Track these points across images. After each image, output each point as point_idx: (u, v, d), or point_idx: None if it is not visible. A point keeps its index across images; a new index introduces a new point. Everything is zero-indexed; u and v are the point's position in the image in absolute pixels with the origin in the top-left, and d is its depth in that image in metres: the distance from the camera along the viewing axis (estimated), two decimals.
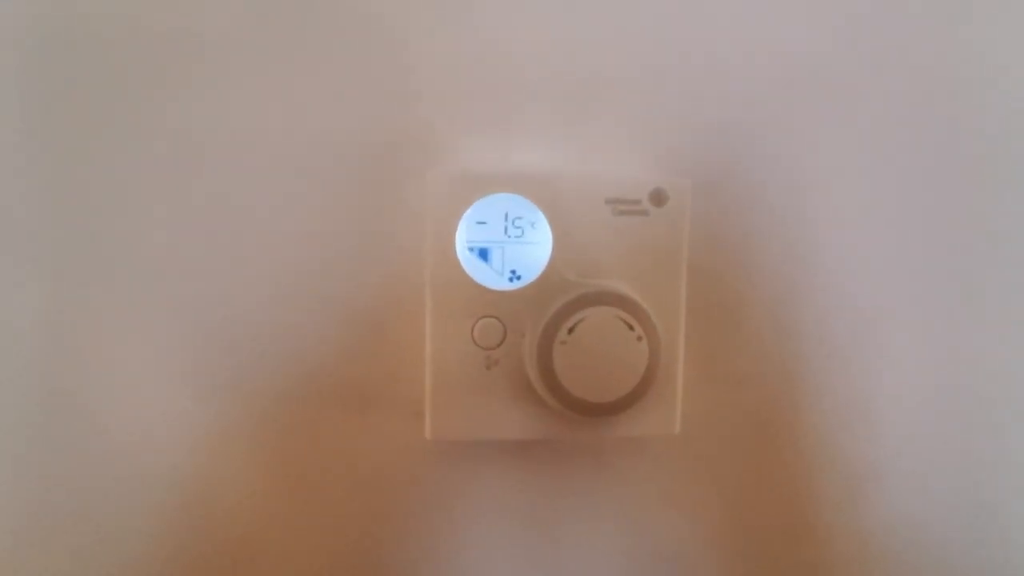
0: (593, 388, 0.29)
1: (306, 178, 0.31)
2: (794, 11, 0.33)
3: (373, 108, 0.31)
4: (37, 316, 0.30)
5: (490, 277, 0.29)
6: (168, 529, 0.32)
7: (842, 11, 0.33)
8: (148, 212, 0.30)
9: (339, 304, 0.31)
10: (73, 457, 0.31)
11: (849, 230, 0.35)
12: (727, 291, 0.34)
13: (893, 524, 0.37)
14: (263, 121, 0.30)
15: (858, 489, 0.36)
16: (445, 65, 0.31)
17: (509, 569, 0.35)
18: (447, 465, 0.33)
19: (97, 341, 0.30)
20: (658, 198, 0.30)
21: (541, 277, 0.29)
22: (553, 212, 0.29)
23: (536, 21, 0.32)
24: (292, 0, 0.30)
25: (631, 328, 0.29)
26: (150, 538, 0.31)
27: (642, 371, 0.29)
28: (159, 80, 0.30)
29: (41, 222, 0.30)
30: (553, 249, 0.29)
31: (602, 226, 0.30)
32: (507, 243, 0.29)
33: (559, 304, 0.29)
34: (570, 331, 0.28)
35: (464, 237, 0.29)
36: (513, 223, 0.29)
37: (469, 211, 0.29)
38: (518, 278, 0.29)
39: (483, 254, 0.29)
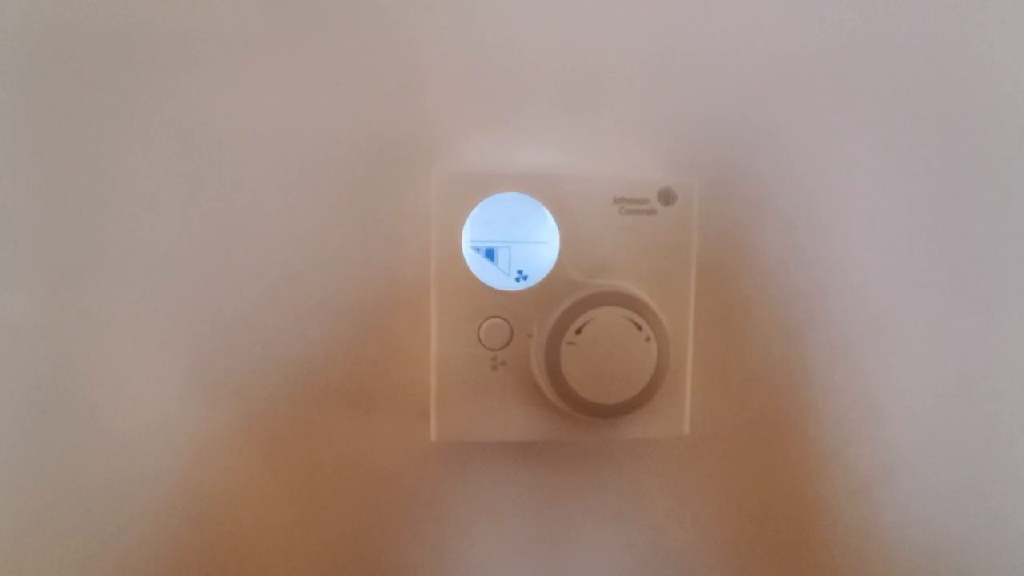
0: (601, 389, 0.28)
1: (310, 178, 0.31)
2: (806, 7, 0.33)
3: (378, 106, 0.31)
4: (36, 315, 0.30)
5: (496, 277, 0.29)
6: (169, 531, 0.31)
7: (855, 7, 0.33)
8: (149, 210, 0.30)
9: (343, 304, 0.31)
10: (74, 458, 0.31)
11: (859, 229, 0.34)
12: (735, 291, 0.34)
13: (902, 526, 0.36)
14: (265, 120, 0.30)
15: (867, 491, 0.36)
16: (451, 63, 0.31)
17: (516, 572, 0.35)
18: (452, 467, 0.33)
19: (97, 341, 0.30)
20: (666, 197, 0.30)
21: (548, 277, 0.29)
22: (560, 211, 0.29)
23: (543, 18, 0.31)
24: None
25: (639, 328, 0.28)
26: (151, 539, 0.31)
27: (651, 372, 0.29)
28: (160, 76, 0.30)
29: (39, 221, 0.30)
30: (560, 249, 0.29)
31: (610, 225, 0.29)
32: (513, 243, 0.29)
33: (566, 304, 0.28)
34: (578, 332, 0.28)
35: (470, 237, 0.29)
36: (520, 223, 0.29)
37: (475, 210, 0.29)
38: (525, 278, 0.29)
39: (489, 254, 0.29)
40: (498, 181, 0.29)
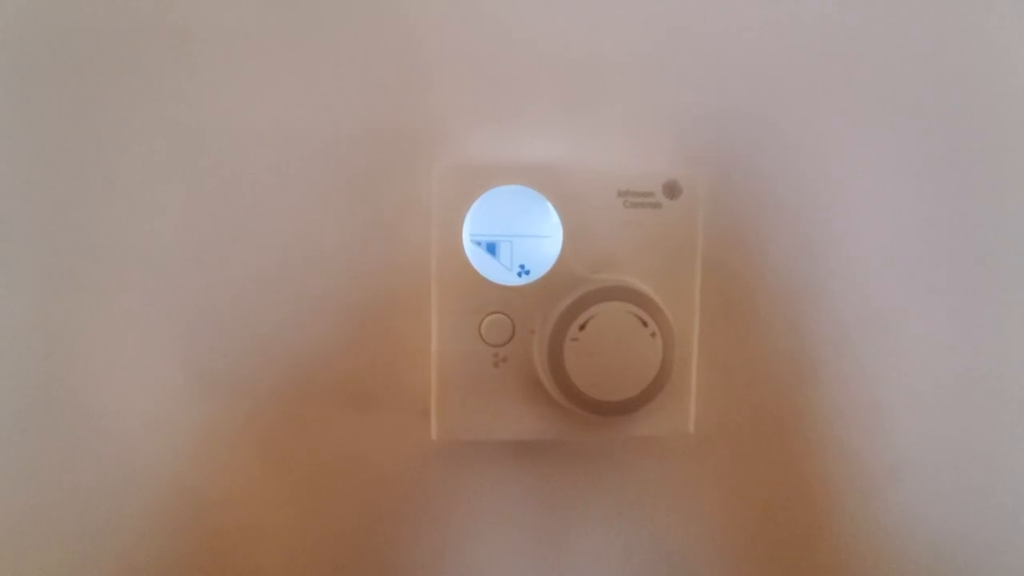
0: (605, 386, 0.28)
1: (307, 172, 0.31)
2: (814, 0, 0.33)
3: (377, 98, 0.31)
4: (32, 313, 0.30)
5: (498, 272, 0.29)
6: (167, 531, 0.31)
7: (863, 0, 0.33)
8: (145, 206, 0.30)
9: (342, 300, 0.31)
10: (71, 456, 0.30)
11: (866, 225, 0.34)
12: (741, 286, 0.34)
13: (909, 525, 0.36)
14: (262, 113, 0.30)
15: (873, 489, 0.36)
16: (452, 54, 0.31)
17: (518, 573, 0.34)
18: (453, 466, 0.33)
19: (94, 338, 0.30)
20: (671, 190, 0.29)
21: (551, 272, 0.29)
22: (563, 205, 0.29)
23: (547, 9, 0.31)
24: None
25: (644, 324, 0.28)
26: (148, 539, 0.31)
27: (656, 369, 0.28)
28: (157, 71, 0.29)
29: (35, 218, 0.29)
30: (563, 243, 0.29)
31: (614, 219, 0.29)
32: (516, 237, 0.29)
33: (570, 300, 0.28)
34: (581, 328, 0.28)
35: (471, 230, 0.28)
36: (522, 216, 0.29)
37: (476, 204, 0.28)
38: (527, 273, 0.29)
39: (491, 248, 0.29)
40: (500, 173, 0.28)
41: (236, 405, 0.31)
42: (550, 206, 0.29)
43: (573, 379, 0.28)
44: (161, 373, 0.30)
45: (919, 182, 0.34)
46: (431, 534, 0.33)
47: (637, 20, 0.32)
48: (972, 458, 0.36)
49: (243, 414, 0.31)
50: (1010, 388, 0.36)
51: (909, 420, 0.35)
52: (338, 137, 0.30)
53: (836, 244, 0.34)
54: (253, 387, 0.31)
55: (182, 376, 0.31)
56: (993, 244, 0.35)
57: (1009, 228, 0.35)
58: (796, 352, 0.34)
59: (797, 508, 0.35)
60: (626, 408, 0.29)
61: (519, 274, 0.29)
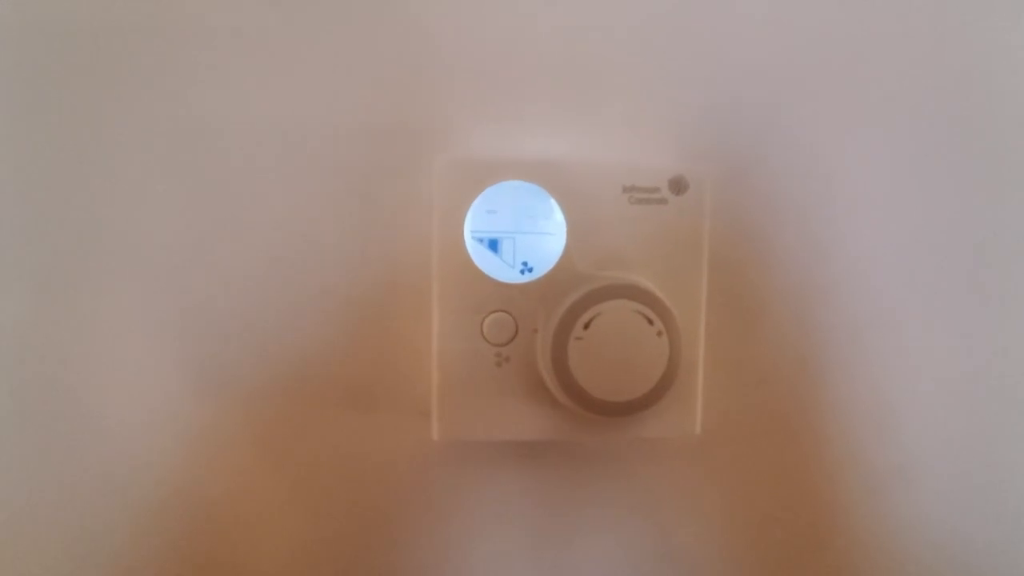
0: (610, 386, 0.28)
1: (306, 167, 0.30)
2: None
3: (377, 92, 0.30)
4: (30, 311, 0.30)
5: (500, 269, 0.28)
6: (164, 531, 0.31)
7: None
8: (142, 202, 0.30)
9: (341, 298, 0.31)
10: (68, 456, 0.30)
11: (875, 221, 0.34)
12: (747, 284, 0.33)
13: (918, 527, 0.36)
14: (260, 107, 0.30)
15: (882, 491, 0.36)
16: (454, 48, 0.31)
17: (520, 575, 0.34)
18: (455, 467, 0.33)
19: (91, 337, 0.30)
20: (677, 186, 0.29)
21: (554, 269, 0.29)
22: (567, 201, 0.28)
23: (550, 3, 0.31)
24: None
25: (650, 323, 0.28)
26: (146, 538, 0.31)
27: (662, 368, 0.28)
28: (154, 65, 0.29)
29: (32, 216, 0.29)
30: (567, 240, 0.29)
31: (619, 215, 0.29)
32: (518, 233, 0.28)
33: (574, 298, 0.28)
34: (586, 326, 0.28)
35: (473, 227, 0.28)
36: (525, 212, 0.28)
37: (478, 199, 0.28)
38: (530, 270, 0.29)
39: (493, 245, 0.28)
40: (502, 168, 0.28)
41: (234, 404, 0.31)
42: (553, 202, 0.28)
43: (577, 379, 0.28)
44: (158, 371, 0.30)
45: (928, 178, 0.34)
46: (432, 536, 0.33)
47: (643, 13, 0.31)
48: (981, 458, 0.36)
49: (241, 413, 0.31)
50: (1019, 388, 0.36)
51: (917, 420, 0.35)
52: (337, 132, 0.30)
53: (844, 241, 0.34)
54: (251, 386, 0.31)
55: (180, 375, 0.30)
56: (1004, 243, 0.35)
57: (1021, 227, 0.35)
58: (803, 351, 0.34)
59: (804, 509, 0.35)
60: (631, 409, 0.28)
61: (522, 271, 0.29)
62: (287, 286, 0.31)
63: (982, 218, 0.35)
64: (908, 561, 0.36)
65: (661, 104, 0.32)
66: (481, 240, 0.28)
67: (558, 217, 0.28)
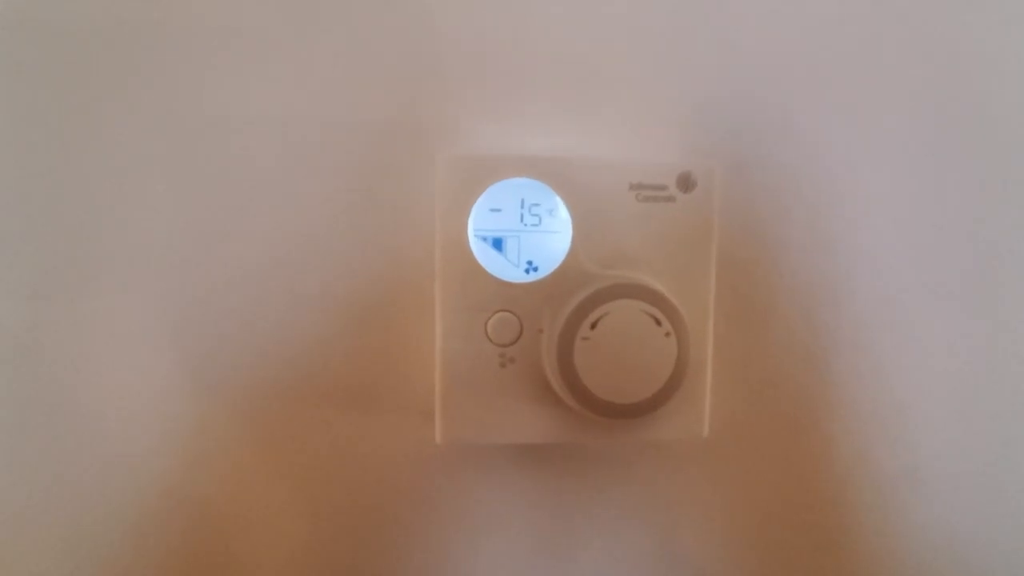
0: (617, 388, 0.28)
1: (306, 164, 0.30)
2: None
3: (379, 88, 0.30)
4: (26, 310, 0.29)
5: (505, 268, 0.28)
6: (162, 534, 0.31)
7: None
8: (139, 199, 0.30)
9: (342, 297, 0.31)
10: (66, 458, 0.30)
11: (887, 219, 0.34)
12: (757, 283, 0.33)
13: (928, 531, 0.36)
14: (259, 103, 0.30)
15: (892, 493, 0.35)
16: (457, 42, 0.30)
17: None
18: (458, 470, 0.33)
19: (87, 337, 0.30)
20: (685, 183, 0.29)
21: (560, 268, 0.28)
22: (573, 198, 0.28)
23: None
24: None
25: (658, 323, 0.28)
26: (143, 541, 0.31)
27: (670, 369, 0.28)
28: (152, 59, 0.29)
29: (26, 215, 0.29)
30: (573, 238, 0.28)
31: (626, 213, 0.29)
32: (523, 232, 0.28)
33: (580, 297, 0.28)
34: (592, 326, 0.27)
35: (477, 225, 0.28)
36: (530, 210, 0.28)
37: (482, 197, 0.28)
38: (535, 269, 0.28)
39: (497, 244, 0.28)
40: (507, 165, 0.28)
41: (233, 405, 0.31)
42: (559, 200, 0.28)
43: (583, 380, 0.27)
44: (157, 371, 0.30)
45: (942, 174, 0.34)
46: (435, 541, 0.33)
47: (650, 6, 0.31)
48: (992, 460, 0.36)
49: (240, 415, 0.31)
50: None
51: (928, 421, 0.35)
52: (338, 129, 0.30)
53: (855, 239, 0.33)
54: (251, 387, 0.31)
55: (178, 375, 0.30)
56: (1019, 238, 0.34)
57: None
58: (813, 351, 0.34)
59: (813, 512, 0.35)
60: (638, 411, 0.28)
61: (527, 271, 0.28)
62: (287, 285, 0.30)
63: (998, 215, 0.34)
64: (917, 564, 0.36)
65: (669, 99, 0.32)
66: (485, 239, 0.28)
67: (563, 215, 0.28)
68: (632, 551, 0.34)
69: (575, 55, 0.31)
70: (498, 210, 0.28)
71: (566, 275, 0.28)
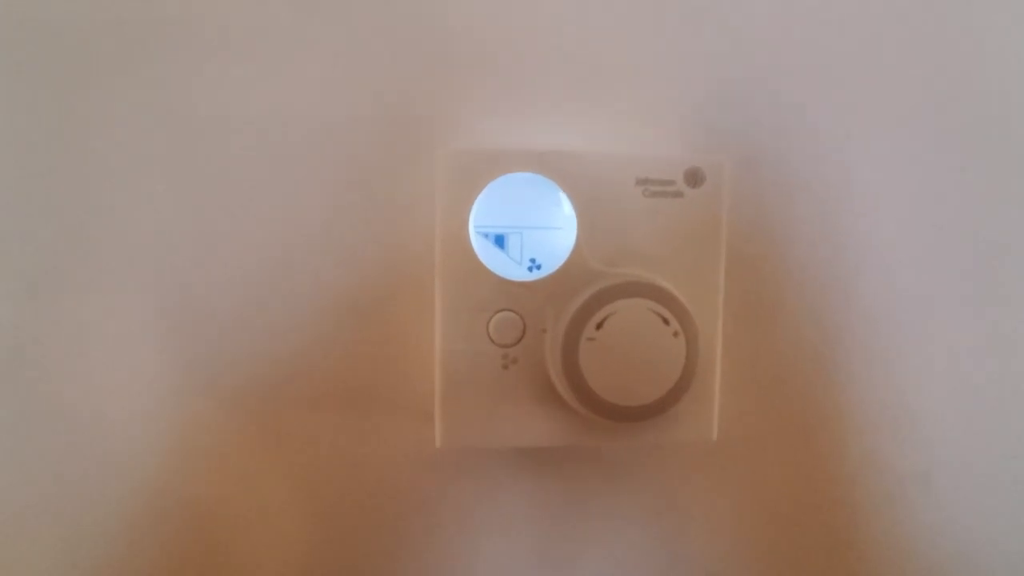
0: (623, 390, 0.27)
1: (303, 160, 0.30)
2: None
3: (377, 80, 0.30)
4: (19, 310, 0.29)
5: (507, 266, 0.28)
6: (155, 538, 0.31)
7: None
8: (132, 195, 0.29)
9: (340, 296, 0.30)
10: (59, 461, 0.30)
11: (899, 214, 0.33)
12: (766, 281, 0.33)
13: (939, 533, 0.35)
14: (254, 96, 0.29)
15: (903, 496, 0.35)
16: (458, 34, 0.30)
17: None
18: (459, 475, 0.32)
19: (80, 337, 0.30)
20: (694, 178, 0.29)
21: (564, 266, 0.28)
22: (578, 194, 0.28)
23: None
24: None
25: (666, 322, 0.27)
26: (136, 546, 0.31)
27: (679, 371, 0.27)
28: (146, 53, 0.29)
29: (17, 213, 0.29)
30: (578, 235, 0.28)
31: (632, 209, 0.28)
32: (526, 228, 0.28)
33: (585, 296, 0.27)
34: (598, 326, 0.27)
35: (478, 222, 0.27)
36: (533, 206, 0.28)
37: (484, 193, 0.27)
38: (539, 267, 0.28)
39: (500, 241, 0.28)
40: (509, 159, 0.27)
41: (227, 407, 0.30)
42: (563, 195, 0.28)
43: (589, 382, 0.27)
44: (151, 372, 0.30)
45: (958, 169, 0.33)
46: (435, 547, 0.33)
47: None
48: (1005, 463, 0.35)
49: (235, 417, 0.31)
50: None
51: (941, 422, 0.35)
52: (336, 123, 0.30)
53: (868, 236, 0.33)
54: (246, 388, 0.30)
55: (171, 376, 0.30)
56: None
57: None
58: (824, 351, 0.34)
59: (823, 516, 0.35)
60: (646, 413, 0.28)
61: (530, 268, 0.28)
62: (284, 283, 0.30)
63: (1014, 212, 0.34)
64: (928, 567, 0.36)
65: (677, 92, 0.32)
66: (487, 235, 0.28)
67: (568, 211, 0.28)
68: (639, 558, 0.34)
69: (580, 46, 0.31)
70: (500, 206, 0.27)
71: (570, 273, 0.28)
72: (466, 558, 0.33)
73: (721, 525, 0.34)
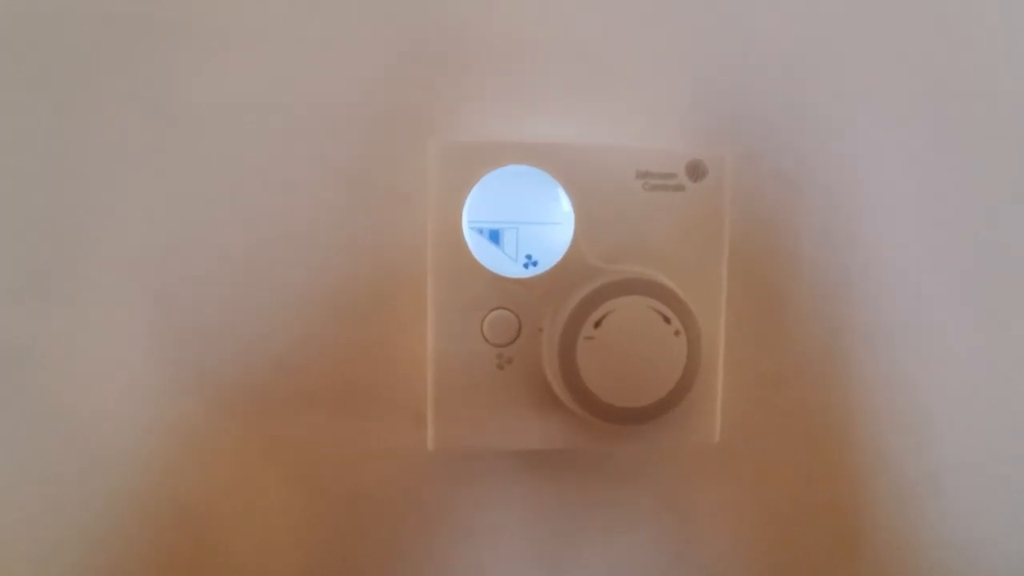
0: (622, 391, 0.27)
1: (290, 153, 0.29)
2: None
3: (367, 69, 0.29)
4: (5, 311, 0.29)
5: (502, 263, 0.27)
6: (144, 539, 0.31)
7: None
8: (115, 191, 0.29)
9: (329, 294, 0.30)
10: (46, 463, 0.30)
11: (909, 208, 0.33)
12: (770, 277, 0.33)
13: (947, 534, 0.35)
14: (239, 89, 0.29)
15: (912, 499, 0.35)
16: (453, 23, 0.30)
17: None
18: (452, 479, 0.32)
19: (64, 339, 0.29)
20: (696, 171, 0.28)
21: (561, 262, 0.27)
22: (575, 187, 0.27)
23: None
24: None
25: (667, 321, 0.27)
26: (124, 549, 0.31)
27: (680, 371, 0.27)
28: (130, 44, 0.28)
29: (6, 213, 0.29)
30: (575, 230, 0.27)
31: (632, 203, 0.28)
32: (522, 223, 0.27)
33: (583, 294, 0.27)
34: (596, 325, 0.26)
35: (472, 216, 0.27)
36: (529, 200, 0.27)
37: (478, 186, 0.27)
38: (535, 264, 0.28)
39: (494, 236, 0.27)
40: (504, 152, 0.27)
41: (212, 410, 0.30)
42: (560, 189, 0.27)
43: (586, 383, 0.27)
44: (134, 373, 0.30)
45: (968, 161, 0.33)
46: (427, 553, 0.32)
47: None
48: (1015, 464, 0.35)
49: (220, 420, 0.30)
50: None
51: (951, 424, 0.34)
52: (324, 115, 0.29)
53: (875, 231, 0.33)
54: (231, 390, 0.30)
55: (156, 378, 0.30)
56: None
57: None
58: (830, 350, 0.33)
59: (828, 521, 0.35)
60: (646, 415, 0.27)
61: (526, 265, 0.27)
62: (271, 281, 0.30)
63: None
64: (936, 569, 0.35)
65: (678, 82, 0.31)
66: (481, 231, 0.27)
67: (565, 205, 0.27)
68: (639, 564, 0.34)
69: (579, 37, 0.30)
70: (495, 200, 0.27)
71: (568, 270, 0.27)
72: (460, 563, 0.33)
73: (724, 531, 0.34)
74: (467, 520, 0.32)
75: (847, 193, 0.32)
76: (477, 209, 0.27)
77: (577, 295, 0.27)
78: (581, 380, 0.27)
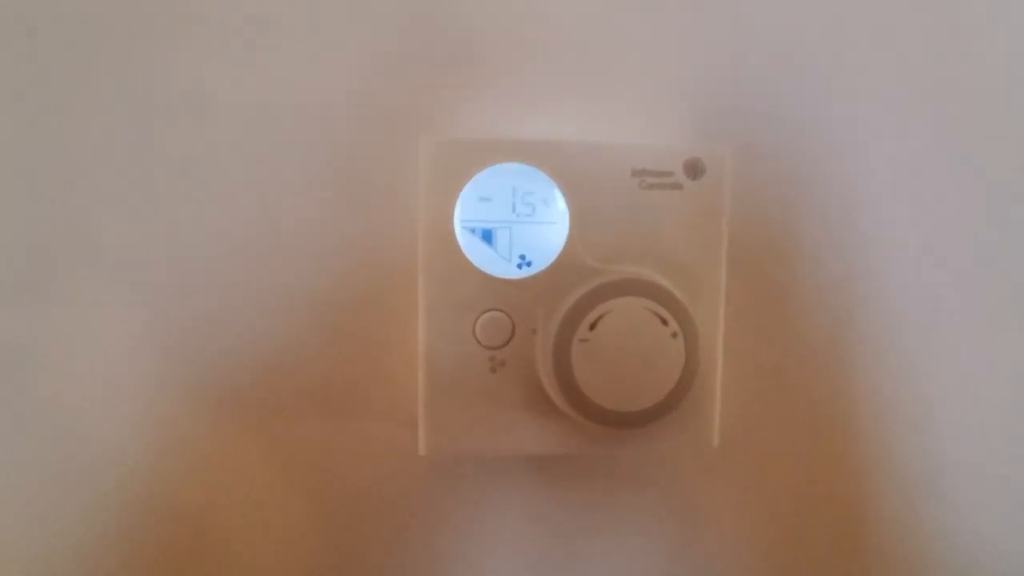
0: (618, 394, 0.27)
1: (278, 151, 0.29)
2: None
3: (358, 64, 0.29)
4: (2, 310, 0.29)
5: (495, 263, 0.27)
6: (132, 544, 0.30)
7: None
8: (106, 194, 0.29)
9: (318, 295, 0.30)
10: (37, 466, 0.30)
11: (912, 206, 0.33)
12: (769, 277, 0.32)
13: (953, 539, 0.35)
14: (226, 84, 0.29)
15: (915, 500, 0.34)
16: (445, 17, 0.29)
17: None
18: (444, 485, 0.32)
19: (50, 342, 0.29)
20: (693, 169, 0.28)
21: (556, 263, 0.27)
22: (570, 186, 0.27)
23: None
24: None
25: (664, 322, 0.27)
26: (116, 553, 0.30)
27: (677, 374, 0.27)
28: (116, 38, 0.28)
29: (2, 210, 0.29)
30: (570, 230, 0.27)
31: (628, 202, 0.28)
32: (515, 223, 0.27)
33: (578, 295, 0.27)
34: (591, 327, 0.26)
35: (464, 216, 0.27)
36: (522, 199, 0.27)
37: (470, 185, 0.27)
38: (528, 264, 0.27)
39: (487, 236, 0.27)
40: (497, 150, 0.27)
41: (199, 413, 0.30)
42: (555, 187, 0.27)
43: (581, 386, 0.27)
44: (133, 375, 0.30)
45: (973, 158, 0.33)
46: (419, 561, 0.32)
47: None
48: (1016, 463, 0.35)
49: (207, 423, 0.30)
50: None
51: (956, 424, 0.34)
52: (313, 112, 0.29)
53: (876, 228, 0.33)
54: (218, 393, 0.30)
55: (142, 381, 0.30)
56: None
57: None
58: (831, 351, 0.33)
59: (830, 523, 0.34)
60: (642, 419, 0.27)
61: (519, 266, 0.27)
62: (258, 282, 0.30)
63: None
64: (938, 569, 0.35)
65: (675, 79, 0.31)
66: (473, 230, 0.27)
67: (560, 204, 0.27)
68: (635, 568, 0.34)
69: (574, 32, 0.30)
70: (488, 199, 0.27)
71: (562, 270, 0.27)
72: (452, 570, 0.33)
73: (725, 535, 0.34)
74: (460, 525, 0.32)
75: (848, 191, 0.32)
76: (469, 208, 0.27)
77: (572, 296, 0.27)
78: (576, 383, 0.26)
